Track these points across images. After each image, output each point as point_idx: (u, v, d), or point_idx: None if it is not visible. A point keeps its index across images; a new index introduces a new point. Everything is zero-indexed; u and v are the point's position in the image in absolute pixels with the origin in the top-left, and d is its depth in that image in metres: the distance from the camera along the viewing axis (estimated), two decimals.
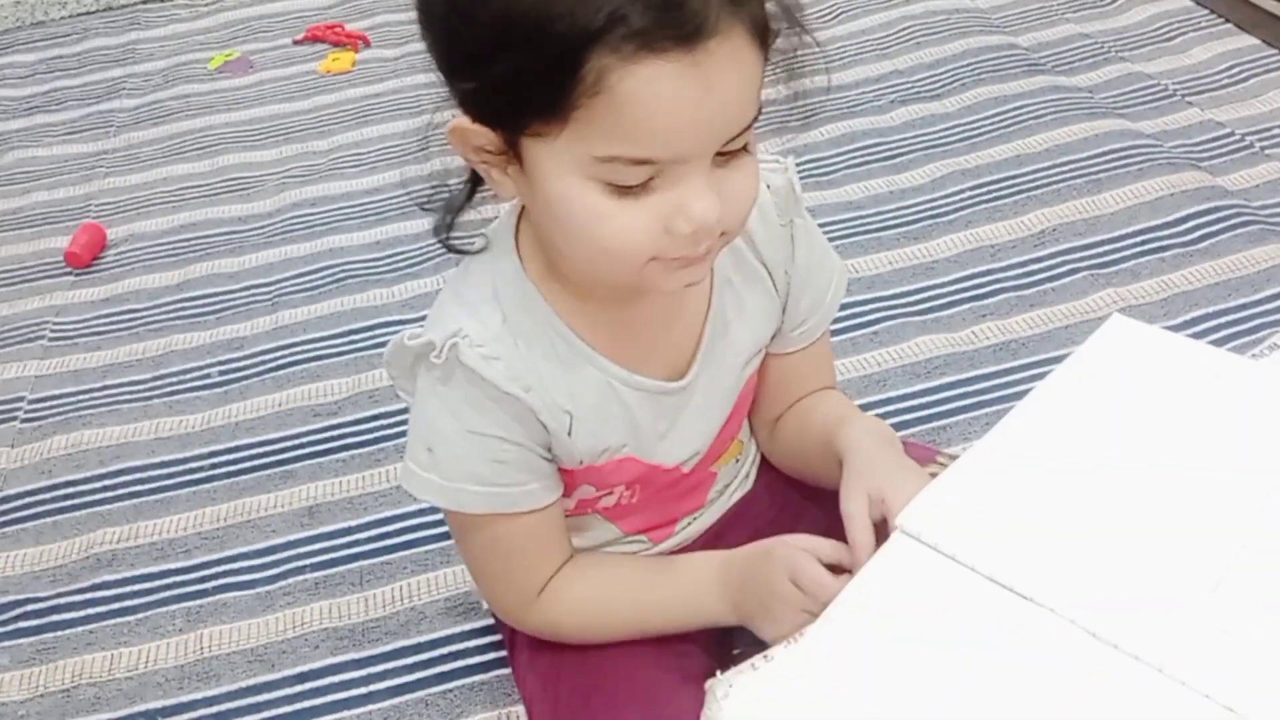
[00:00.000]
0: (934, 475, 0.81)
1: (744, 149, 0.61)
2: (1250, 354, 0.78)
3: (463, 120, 0.60)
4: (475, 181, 0.67)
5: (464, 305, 0.69)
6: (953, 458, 0.84)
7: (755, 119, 0.60)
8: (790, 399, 0.84)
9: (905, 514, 0.67)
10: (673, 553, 0.84)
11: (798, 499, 0.85)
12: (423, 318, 0.75)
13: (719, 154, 0.59)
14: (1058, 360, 1.18)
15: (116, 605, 1.13)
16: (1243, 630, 0.58)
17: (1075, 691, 0.57)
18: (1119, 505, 0.66)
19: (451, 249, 0.70)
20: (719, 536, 0.85)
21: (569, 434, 0.71)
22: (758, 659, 0.63)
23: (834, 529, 0.72)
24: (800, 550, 0.69)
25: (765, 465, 0.89)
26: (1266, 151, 1.56)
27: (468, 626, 1.05)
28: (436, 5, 0.60)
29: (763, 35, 0.58)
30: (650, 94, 0.54)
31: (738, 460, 0.86)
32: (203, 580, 1.14)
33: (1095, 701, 0.57)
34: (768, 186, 0.74)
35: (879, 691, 0.59)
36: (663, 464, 0.77)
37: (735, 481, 0.87)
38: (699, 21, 0.54)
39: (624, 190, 0.58)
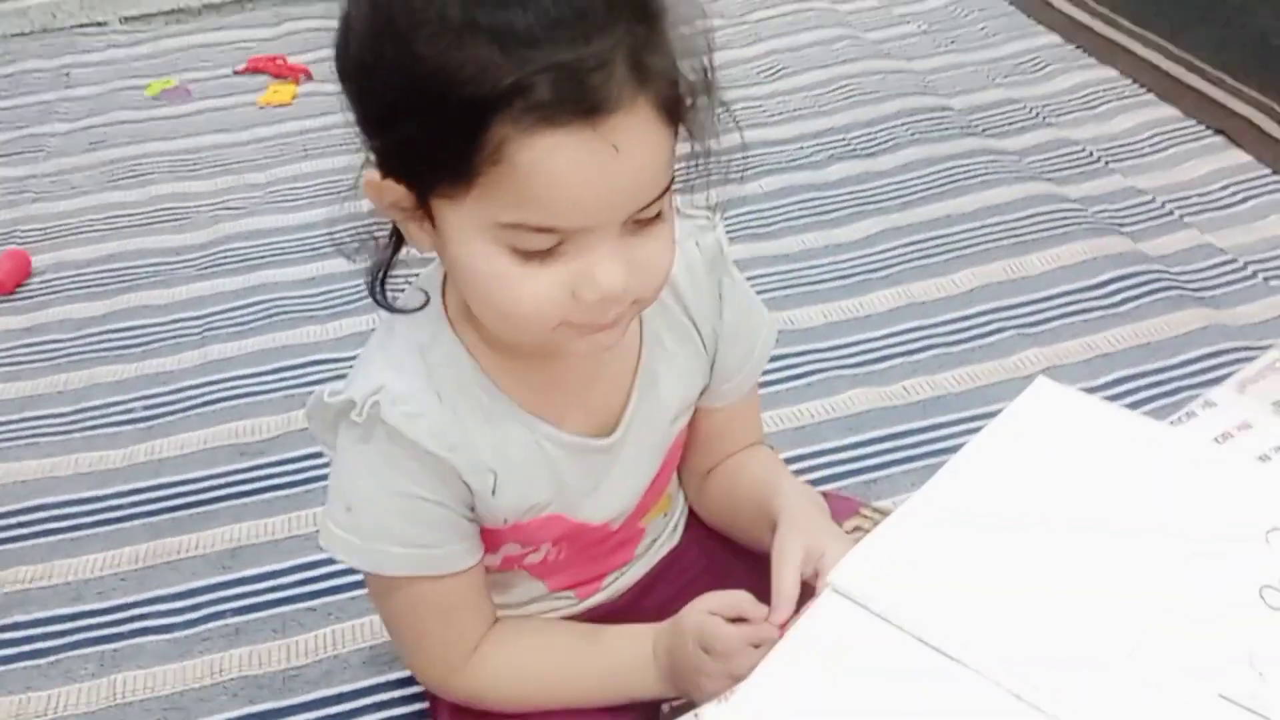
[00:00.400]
0: (858, 528, 0.82)
1: (657, 216, 0.61)
2: (1170, 420, 0.80)
3: (376, 175, 0.60)
4: (399, 233, 0.67)
5: (388, 360, 0.68)
6: (877, 510, 0.85)
7: (667, 188, 0.60)
8: (720, 453, 0.85)
9: (836, 571, 0.68)
10: (600, 608, 0.83)
11: (726, 552, 0.85)
12: (355, 356, 0.73)
13: (631, 221, 0.59)
14: (985, 416, 1.20)
15: (27, 647, 1.09)
16: (1162, 693, 0.60)
17: None
18: (1043, 566, 0.68)
19: (381, 304, 0.68)
20: (647, 591, 0.85)
21: (493, 493, 0.70)
22: (688, 716, 0.63)
23: (762, 582, 0.72)
24: (706, 614, 0.68)
25: (693, 518, 0.89)
26: (1185, 219, 1.62)
27: (391, 676, 1.03)
28: (350, 61, 0.60)
29: (672, 108, 0.58)
30: (550, 165, 0.54)
31: (665, 515, 0.86)
32: (118, 623, 1.11)
33: None
34: (696, 244, 0.74)
35: None
36: (589, 521, 0.76)
37: (664, 535, 0.87)
38: (601, 96, 0.53)
39: (530, 255, 0.58)
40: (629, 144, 0.55)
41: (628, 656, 0.74)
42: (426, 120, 0.55)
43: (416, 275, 0.72)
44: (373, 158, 0.61)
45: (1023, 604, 0.65)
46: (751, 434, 0.86)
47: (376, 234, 0.68)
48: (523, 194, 0.55)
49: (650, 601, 0.85)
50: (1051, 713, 0.59)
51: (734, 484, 0.83)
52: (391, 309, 0.69)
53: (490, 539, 0.74)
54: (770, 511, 0.75)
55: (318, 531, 1.14)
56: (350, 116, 0.62)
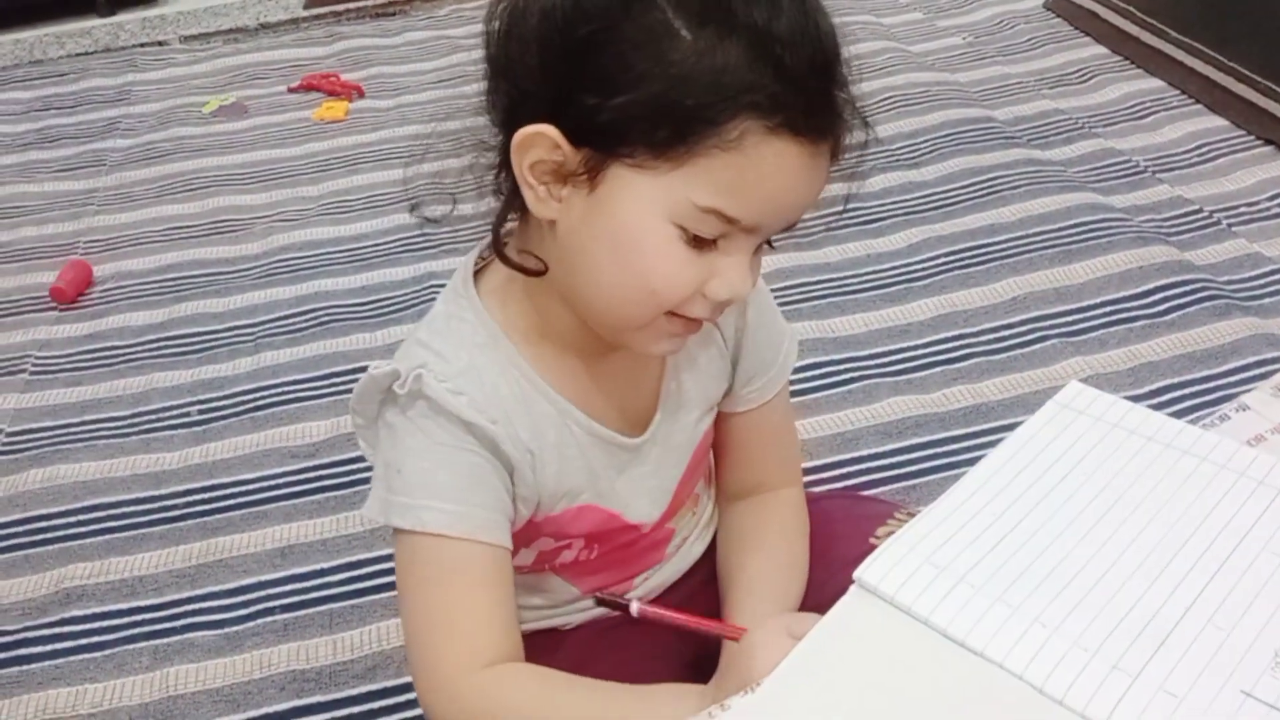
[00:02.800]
0: (890, 532, 0.83)
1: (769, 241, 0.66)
2: (1202, 423, 0.80)
3: (548, 129, 0.61)
4: (509, 203, 0.68)
5: (427, 346, 0.70)
6: (911, 514, 0.86)
7: None
8: (749, 464, 0.85)
9: (863, 566, 0.68)
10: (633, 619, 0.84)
11: None
12: None
13: None
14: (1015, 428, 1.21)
15: (84, 641, 1.13)
16: (1183, 691, 0.60)
17: None
18: (1070, 564, 0.68)
19: (506, 261, 0.68)
20: (677, 590, 0.86)
21: (532, 470, 0.71)
22: (715, 708, 0.64)
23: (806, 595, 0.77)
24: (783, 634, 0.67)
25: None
26: (1233, 228, 1.60)
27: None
28: (570, 24, 0.60)
29: (838, 155, 0.64)
30: (777, 165, 0.59)
31: (694, 513, 0.87)
32: (172, 619, 1.14)
33: None
34: None
35: None
36: (621, 513, 0.77)
37: (694, 533, 0.87)
38: (831, 121, 0.60)
39: (695, 241, 0.61)
40: (823, 168, 0.61)
41: (671, 705, 0.68)
42: (673, 92, 0.58)
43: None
44: (500, 127, 0.64)
45: (1049, 601, 0.65)
46: (786, 457, 0.87)
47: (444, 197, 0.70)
48: (738, 182, 0.59)
49: (681, 599, 0.85)
50: (1077, 708, 0.60)
51: (734, 523, 0.85)
52: (519, 267, 0.68)
53: (523, 534, 0.75)
54: (730, 585, 0.80)
55: (369, 530, 1.19)
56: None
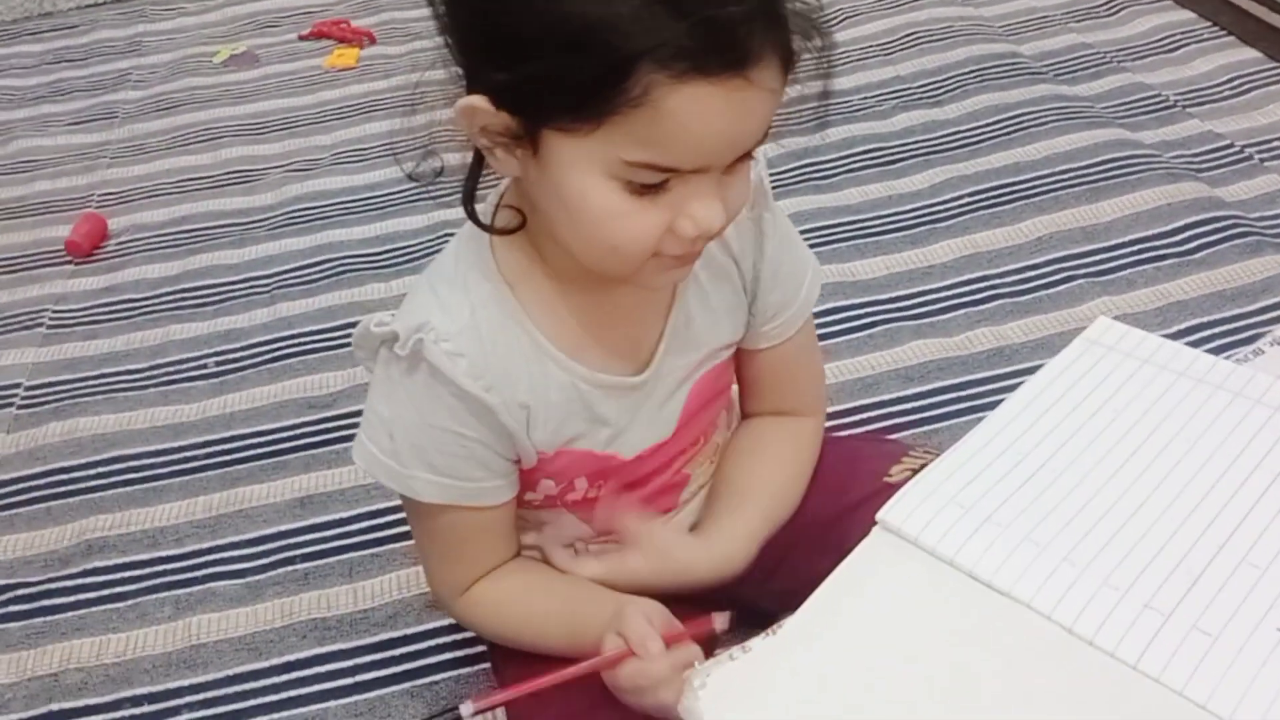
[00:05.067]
0: (905, 470, 0.82)
1: (747, 154, 0.62)
2: (1235, 356, 0.78)
3: (477, 101, 0.60)
4: (480, 158, 0.68)
5: (435, 295, 0.70)
6: (927, 452, 0.85)
7: (769, 131, 0.62)
8: (772, 397, 0.85)
9: (887, 507, 0.67)
10: None
11: None
12: None
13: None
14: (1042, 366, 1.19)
15: (107, 591, 1.13)
16: (1218, 630, 0.58)
17: (1051, 687, 0.58)
18: (1099, 503, 0.67)
19: (478, 224, 0.69)
20: None
21: (527, 432, 0.72)
22: (736, 650, 0.63)
23: (796, 535, 0.79)
24: (639, 614, 0.70)
25: None
26: (1265, 164, 1.56)
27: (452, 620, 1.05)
28: None
29: (789, 62, 0.60)
30: (693, 112, 0.56)
31: (712, 462, 0.86)
32: (193, 569, 1.15)
33: (1070, 697, 0.57)
34: None
35: (856, 683, 0.60)
36: (618, 454, 0.77)
37: (710, 483, 0.87)
38: (746, 49, 0.55)
39: (641, 190, 0.59)
40: (761, 93, 0.57)
41: (594, 621, 0.73)
42: (571, 57, 0.55)
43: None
44: (464, 81, 0.62)
45: (1078, 539, 0.64)
46: (806, 383, 0.86)
47: (438, 149, 0.69)
48: (658, 135, 0.56)
49: None
50: (1107, 648, 0.59)
51: (738, 439, 0.85)
52: (486, 228, 0.69)
53: (526, 476, 0.76)
54: (710, 512, 0.81)
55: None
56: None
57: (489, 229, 0.69)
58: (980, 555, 0.64)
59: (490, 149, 0.63)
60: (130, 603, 1.12)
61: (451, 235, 1.60)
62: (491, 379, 0.69)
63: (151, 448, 1.30)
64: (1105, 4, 1.99)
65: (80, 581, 1.14)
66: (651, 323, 0.75)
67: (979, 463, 0.70)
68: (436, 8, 0.62)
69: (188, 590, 1.12)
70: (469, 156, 0.68)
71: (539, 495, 0.78)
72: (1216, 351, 1.25)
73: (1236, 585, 0.61)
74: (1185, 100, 1.71)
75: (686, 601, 0.75)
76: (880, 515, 0.67)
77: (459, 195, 0.70)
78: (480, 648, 1.01)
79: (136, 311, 1.53)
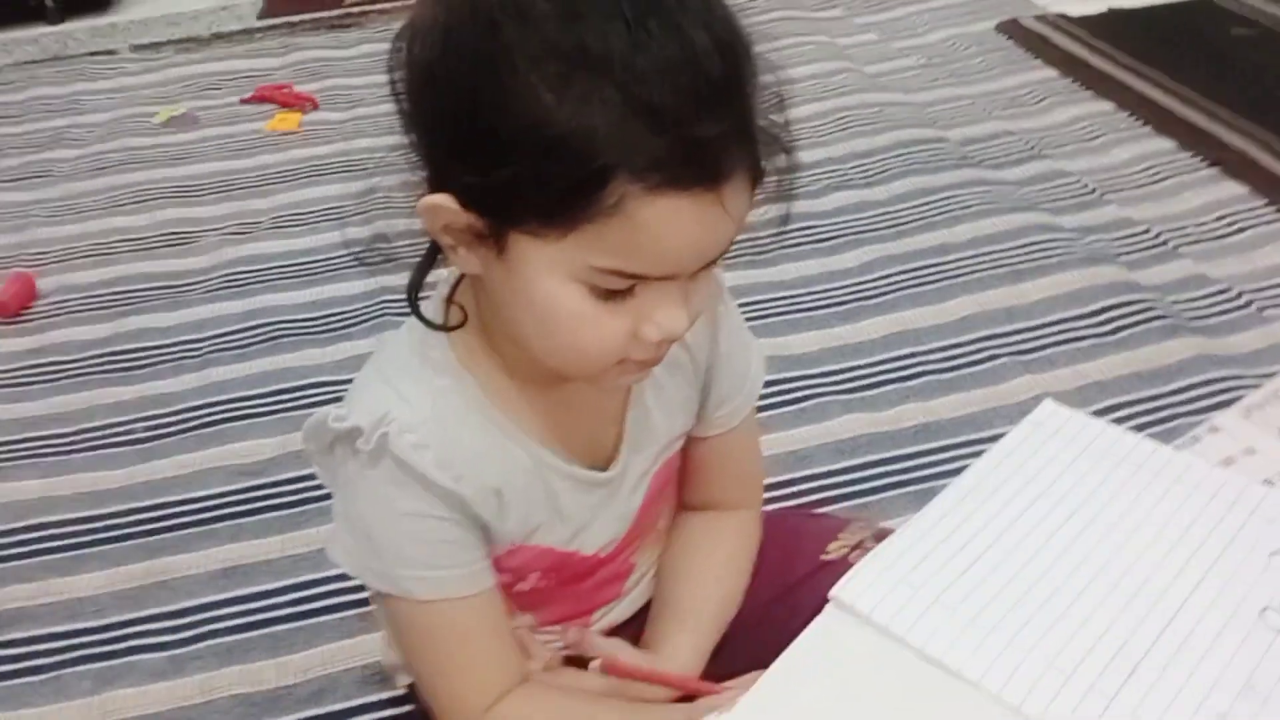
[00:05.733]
0: (843, 547, 0.83)
1: (714, 260, 0.63)
2: (1174, 443, 0.81)
3: (442, 200, 0.59)
4: (436, 249, 0.66)
5: (391, 386, 0.68)
6: (863, 526, 0.86)
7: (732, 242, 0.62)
8: (713, 487, 0.85)
9: (840, 585, 0.68)
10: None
11: None
12: (353, 379, 0.73)
13: None
14: (978, 443, 1.23)
15: (23, 665, 1.10)
16: (1158, 715, 0.60)
17: None
18: (1047, 583, 0.68)
19: (425, 321, 0.67)
20: (638, 626, 0.85)
21: (499, 516, 0.70)
22: None
23: (753, 615, 0.77)
24: None
25: None
26: (1179, 249, 1.63)
27: (383, 695, 1.04)
28: (447, 90, 0.58)
29: (757, 174, 0.60)
30: (666, 224, 0.55)
31: (655, 548, 0.86)
32: (114, 641, 1.12)
33: None
34: None
35: None
36: (579, 550, 0.76)
37: (653, 569, 0.86)
38: (720, 166, 0.56)
39: (607, 295, 0.59)
40: (732, 206, 0.57)
41: None
42: (543, 166, 0.55)
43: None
44: (425, 175, 0.61)
45: (1026, 621, 0.65)
46: (746, 480, 0.87)
47: (384, 250, 0.67)
48: (629, 245, 0.56)
49: (639, 637, 0.85)
50: None
51: (678, 537, 0.85)
52: (435, 325, 0.68)
53: None
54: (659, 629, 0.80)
55: (317, 550, 1.17)
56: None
57: (441, 327, 0.68)
58: (931, 634, 0.65)
59: (453, 247, 0.62)
60: (47, 675, 1.09)
61: (390, 301, 1.61)
62: (460, 468, 0.67)
63: (74, 515, 1.27)
64: (1029, 93, 2.08)
65: None
66: (609, 419, 0.74)
67: (929, 543, 0.71)
68: (401, 104, 0.61)
69: (108, 664, 1.10)
70: (415, 224, 0.68)
71: None
72: (1134, 431, 1.30)
73: (1177, 670, 0.62)
74: (1103, 187, 1.78)
75: None
76: (834, 592, 0.68)
77: (397, 261, 0.69)
78: None
79: (64, 374, 1.50)
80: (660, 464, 0.79)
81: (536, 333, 0.63)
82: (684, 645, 0.80)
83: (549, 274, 0.59)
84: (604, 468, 0.74)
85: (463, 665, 0.73)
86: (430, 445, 0.66)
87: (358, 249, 0.68)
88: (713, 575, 0.83)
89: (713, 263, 0.62)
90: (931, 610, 0.66)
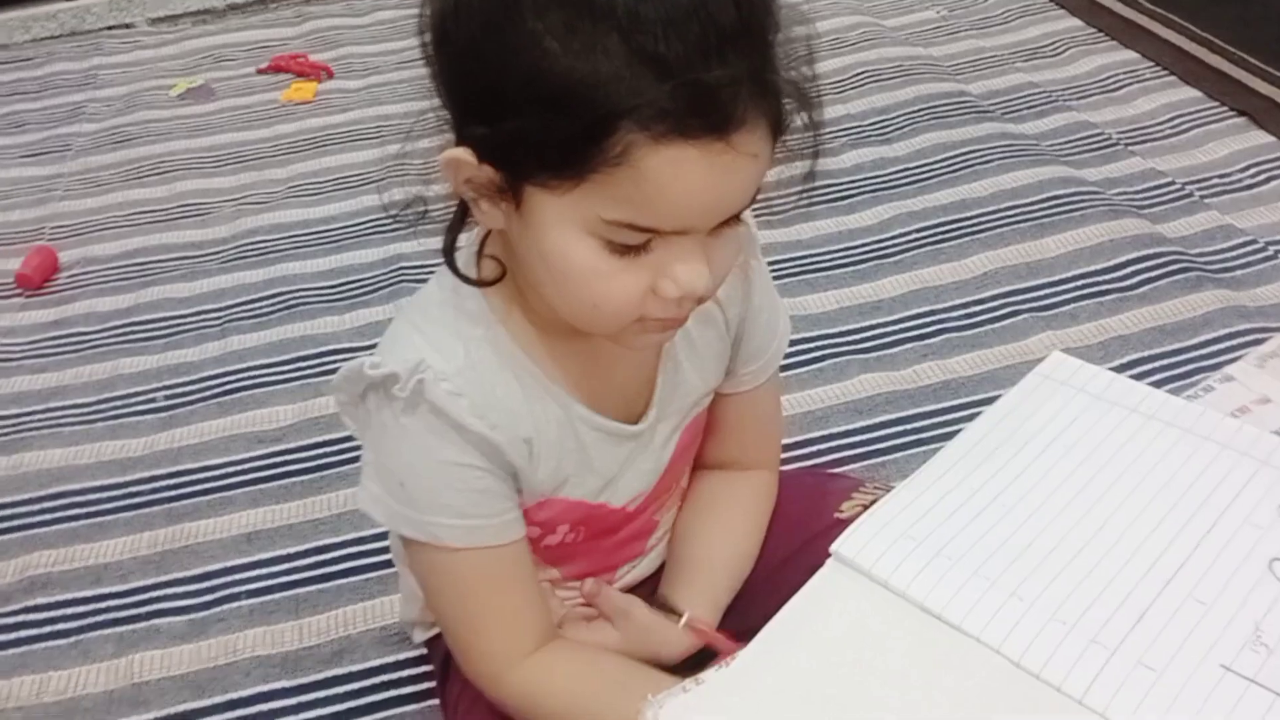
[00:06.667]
0: (855, 506, 0.83)
1: (736, 217, 0.61)
2: (1187, 394, 0.79)
3: (461, 153, 0.60)
4: (465, 208, 0.67)
5: (424, 336, 0.68)
6: (878, 487, 0.86)
7: (756, 195, 0.61)
8: (733, 446, 0.85)
9: (841, 539, 0.68)
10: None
11: None
12: (373, 345, 0.73)
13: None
14: (996, 400, 1.21)
15: (48, 629, 1.12)
16: (1162, 665, 0.59)
17: (997, 718, 0.58)
18: (1049, 538, 0.67)
19: (461, 277, 0.68)
20: (653, 586, 0.85)
21: (530, 465, 0.70)
22: (689, 681, 0.63)
23: (762, 579, 0.78)
24: None
25: None
26: (1205, 200, 1.60)
27: (401, 656, 1.05)
28: (455, 44, 0.59)
29: (779, 122, 0.59)
30: (673, 174, 0.55)
31: (676, 507, 0.86)
32: (137, 605, 1.13)
33: None
34: None
35: (808, 715, 0.60)
36: (608, 503, 0.76)
37: (670, 541, 0.86)
38: (730, 113, 0.54)
39: (623, 250, 0.59)
40: (745, 158, 0.56)
41: None
42: (550, 116, 0.55)
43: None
44: (452, 135, 0.61)
45: (1029, 573, 0.65)
46: (765, 441, 0.86)
47: (415, 213, 0.67)
48: (637, 196, 0.56)
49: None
50: (1054, 682, 0.59)
51: (696, 495, 0.85)
52: (471, 280, 0.68)
53: None
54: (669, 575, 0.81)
55: (336, 515, 1.19)
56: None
57: (474, 282, 0.68)
58: (932, 588, 0.64)
59: (476, 201, 0.62)
60: (73, 639, 1.10)
61: (407, 268, 1.61)
62: (494, 417, 0.67)
63: (97, 483, 1.28)
64: (1051, 44, 2.04)
65: (22, 618, 1.13)
66: (642, 374, 0.74)
67: (932, 496, 0.71)
68: (430, 60, 0.61)
69: (131, 627, 1.11)
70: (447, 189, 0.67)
71: None
72: (1157, 385, 1.27)
73: (1182, 621, 0.62)
74: (1128, 139, 1.75)
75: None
76: (834, 548, 0.68)
77: (415, 228, 0.69)
78: (427, 684, 1.01)
79: (86, 345, 1.51)
80: (690, 419, 0.79)
81: (554, 288, 0.63)
82: (698, 601, 0.80)
83: (562, 227, 0.58)
84: (635, 422, 0.74)
85: (494, 616, 0.73)
86: (465, 394, 0.66)
87: (394, 211, 0.68)
88: (729, 533, 0.83)
89: (735, 219, 0.61)
90: (933, 564, 0.65)
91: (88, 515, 1.24)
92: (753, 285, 0.77)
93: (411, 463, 0.68)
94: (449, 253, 0.68)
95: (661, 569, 0.86)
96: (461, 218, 0.68)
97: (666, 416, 0.76)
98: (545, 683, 0.73)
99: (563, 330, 0.68)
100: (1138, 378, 1.27)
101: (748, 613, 0.77)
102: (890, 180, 1.69)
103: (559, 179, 0.56)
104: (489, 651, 0.74)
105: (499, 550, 0.71)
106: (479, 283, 0.68)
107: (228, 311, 1.55)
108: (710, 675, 0.63)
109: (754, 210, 0.64)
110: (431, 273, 0.72)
